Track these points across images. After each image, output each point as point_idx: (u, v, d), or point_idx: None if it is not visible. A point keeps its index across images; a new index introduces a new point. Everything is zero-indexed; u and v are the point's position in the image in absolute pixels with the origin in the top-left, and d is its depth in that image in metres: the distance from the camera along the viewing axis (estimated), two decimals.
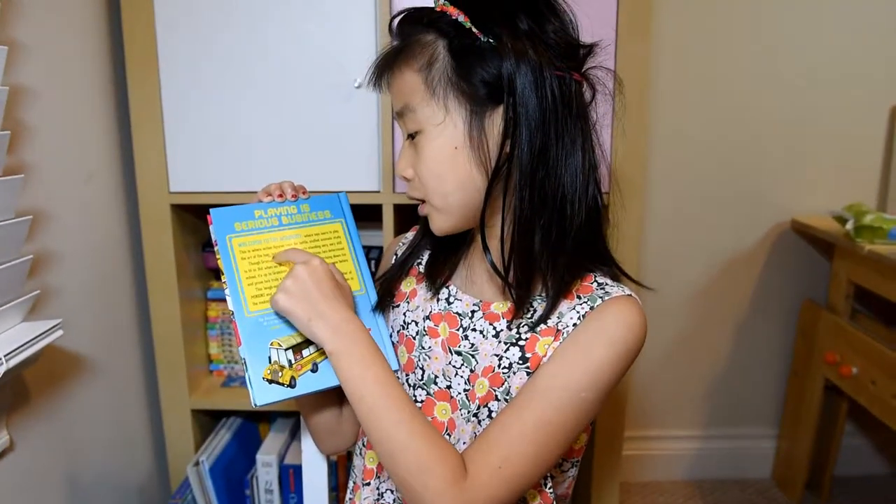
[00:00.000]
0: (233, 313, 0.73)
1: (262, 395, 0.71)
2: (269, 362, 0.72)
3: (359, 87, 1.18)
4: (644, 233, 1.79)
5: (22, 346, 0.86)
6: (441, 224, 0.72)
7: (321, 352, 0.73)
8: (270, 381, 0.71)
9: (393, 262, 0.85)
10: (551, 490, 0.75)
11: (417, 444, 0.63)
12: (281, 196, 0.79)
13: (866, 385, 1.52)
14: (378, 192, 1.24)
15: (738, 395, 1.93)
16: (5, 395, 0.94)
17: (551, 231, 0.67)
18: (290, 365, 0.72)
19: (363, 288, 0.81)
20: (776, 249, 1.83)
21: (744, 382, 1.92)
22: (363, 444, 0.83)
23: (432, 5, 0.69)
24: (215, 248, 0.75)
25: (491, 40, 0.64)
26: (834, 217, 1.65)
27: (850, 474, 1.92)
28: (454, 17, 0.65)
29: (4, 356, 0.82)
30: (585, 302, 0.69)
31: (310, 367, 0.73)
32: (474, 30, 0.64)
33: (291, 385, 0.72)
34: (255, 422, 1.50)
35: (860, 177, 1.78)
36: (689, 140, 1.75)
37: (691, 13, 1.67)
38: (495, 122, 0.66)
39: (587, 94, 0.69)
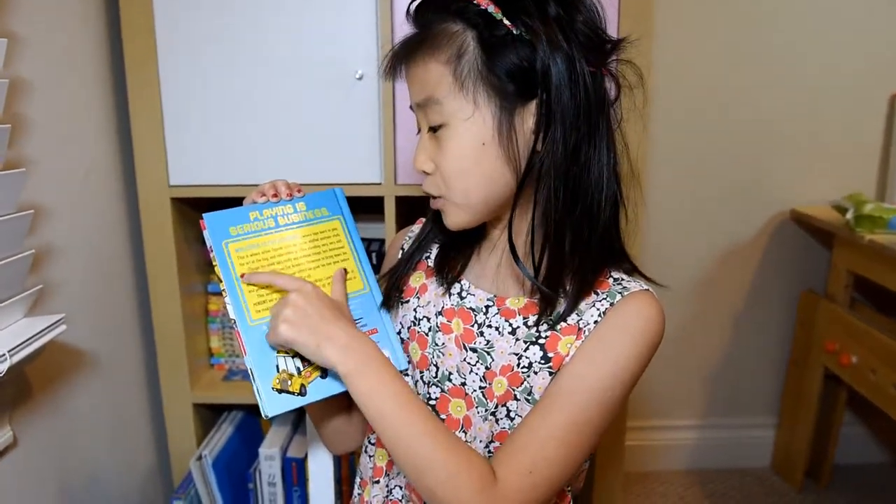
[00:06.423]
0: (234, 322, 0.70)
1: (272, 405, 0.69)
2: (277, 371, 0.70)
3: (360, 78, 1.18)
4: (644, 224, 1.79)
5: (25, 341, 0.85)
6: (457, 219, 0.69)
7: None
8: (280, 391, 0.69)
9: (399, 256, 0.83)
10: (570, 489, 0.75)
11: (442, 455, 0.62)
12: (275, 195, 0.76)
13: (866, 374, 1.52)
14: (379, 184, 1.23)
15: (738, 384, 1.94)
16: (8, 392, 0.94)
17: (583, 230, 0.65)
18: (299, 372, 0.70)
19: (367, 286, 0.79)
20: (776, 239, 1.83)
21: (743, 372, 1.93)
22: (370, 443, 0.83)
23: None
24: (211, 255, 0.72)
25: (523, 32, 0.61)
26: (834, 207, 1.65)
27: (850, 462, 1.93)
28: (483, 7, 0.61)
29: (8, 352, 0.81)
30: (604, 298, 0.68)
31: (319, 373, 0.71)
32: (505, 21, 0.61)
33: (301, 393, 0.70)
34: (257, 415, 1.50)
35: (860, 166, 1.78)
36: (688, 131, 1.75)
37: (690, 6, 1.67)
38: (526, 118, 0.63)
39: (611, 90, 0.66)
